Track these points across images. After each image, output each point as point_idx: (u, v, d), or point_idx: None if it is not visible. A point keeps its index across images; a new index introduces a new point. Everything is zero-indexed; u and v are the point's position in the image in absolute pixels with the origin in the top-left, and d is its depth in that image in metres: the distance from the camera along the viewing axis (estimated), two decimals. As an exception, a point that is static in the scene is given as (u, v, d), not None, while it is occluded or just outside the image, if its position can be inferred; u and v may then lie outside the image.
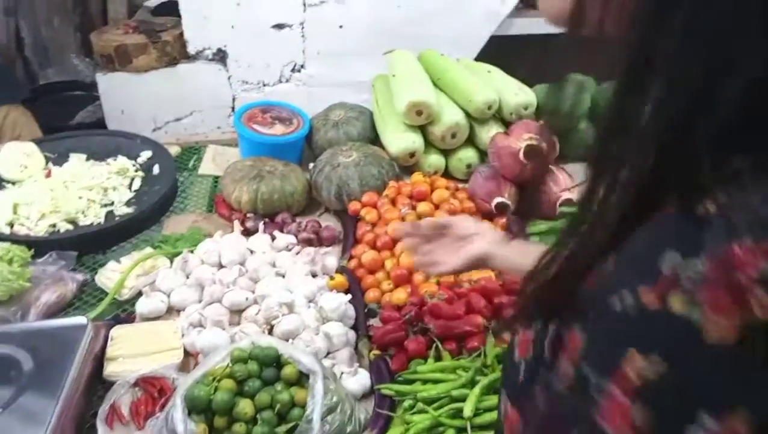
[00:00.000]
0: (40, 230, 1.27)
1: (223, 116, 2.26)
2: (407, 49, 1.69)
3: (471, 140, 1.54)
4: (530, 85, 1.58)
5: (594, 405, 0.41)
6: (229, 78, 2.21)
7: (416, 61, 1.63)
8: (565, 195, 1.34)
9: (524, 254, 0.81)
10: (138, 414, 0.91)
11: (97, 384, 0.95)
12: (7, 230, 1.25)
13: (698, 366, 0.38)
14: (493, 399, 0.88)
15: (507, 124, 1.52)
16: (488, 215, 1.36)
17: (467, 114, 1.50)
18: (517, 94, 1.52)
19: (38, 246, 1.19)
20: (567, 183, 1.36)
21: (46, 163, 1.46)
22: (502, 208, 1.34)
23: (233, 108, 2.26)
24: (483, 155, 1.54)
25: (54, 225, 1.28)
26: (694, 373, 0.38)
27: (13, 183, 1.39)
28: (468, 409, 0.86)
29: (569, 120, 1.51)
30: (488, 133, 1.50)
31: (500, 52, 2.03)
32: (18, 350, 0.90)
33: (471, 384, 0.92)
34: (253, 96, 2.21)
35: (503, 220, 1.34)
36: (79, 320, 0.97)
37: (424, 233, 0.91)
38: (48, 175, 1.40)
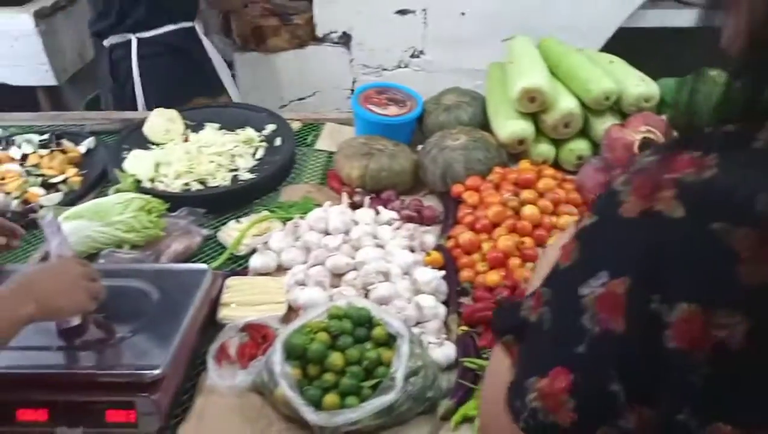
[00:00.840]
0: (175, 187, 1.42)
1: (342, 98, 2.38)
2: (523, 36, 1.68)
3: (584, 132, 1.50)
4: (655, 78, 1.51)
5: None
6: (351, 61, 2.31)
7: (534, 48, 1.61)
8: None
9: None
10: (243, 356, 1.01)
11: (211, 325, 1.06)
12: (148, 185, 1.42)
13: (611, 228, 0.49)
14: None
15: (625, 117, 1.47)
16: (594, 208, 1.32)
17: (583, 104, 1.47)
18: (638, 85, 1.45)
19: (172, 201, 1.34)
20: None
21: (185, 129, 1.62)
22: (609, 201, 1.30)
23: (353, 90, 2.37)
24: (596, 147, 1.49)
25: (187, 184, 1.43)
26: (607, 232, 0.50)
27: (157, 145, 1.57)
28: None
29: (694, 117, 1.43)
30: (604, 124, 1.45)
31: (628, 45, 1.95)
32: (149, 285, 1.03)
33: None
34: (371, 79, 2.30)
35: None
36: (201, 267, 1.09)
37: None
38: (186, 140, 1.56)
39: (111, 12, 1.93)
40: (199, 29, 2.02)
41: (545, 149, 1.50)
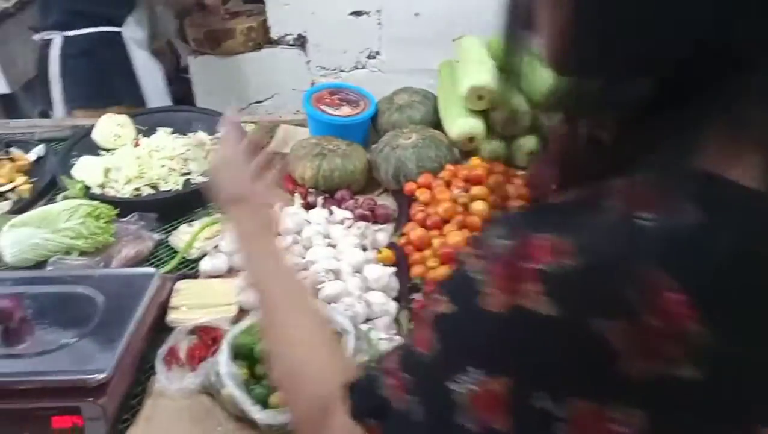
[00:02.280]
0: (125, 192, 1.41)
1: (301, 99, 2.38)
2: (480, 37, 1.71)
3: (534, 128, 1.54)
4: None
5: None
6: (308, 63, 2.32)
7: (483, 47, 1.64)
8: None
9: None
10: (193, 358, 1.01)
11: (160, 329, 1.06)
12: (98, 191, 1.40)
13: (476, 321, 0.45)
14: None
15: (571, 112, 1.51)
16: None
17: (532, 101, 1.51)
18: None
19: (123, 207, 1.33)
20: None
21: (137, 134, 1.61)
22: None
23: (311, 92, 2.36)
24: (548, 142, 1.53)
25: (138, 189, 1.43)
26: (471, 325, 0.45)
27: (107, 150, 1.55)
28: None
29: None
30: (552, 120, 1.49)
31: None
32: (95, 291, 1.02)
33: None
34: (329, 81, 2.31)
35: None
36: (148, 270, 1.09)
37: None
38: (136, 144, 1.55)
39: (40, 6, 1.97)
40: (128, 35, 1.99)
41: (496, 145, 1.53)
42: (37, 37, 1.99)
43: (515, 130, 1.52)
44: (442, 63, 1.76)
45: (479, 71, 1.50)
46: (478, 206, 1.34)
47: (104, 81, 1.97)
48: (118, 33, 1.98)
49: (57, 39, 1.94)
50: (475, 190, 1.37)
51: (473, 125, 1.50)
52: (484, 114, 1.53)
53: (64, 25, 1.93)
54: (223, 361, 0.90)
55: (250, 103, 2.39)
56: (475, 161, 1.47)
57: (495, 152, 1.53)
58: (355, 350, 0.90)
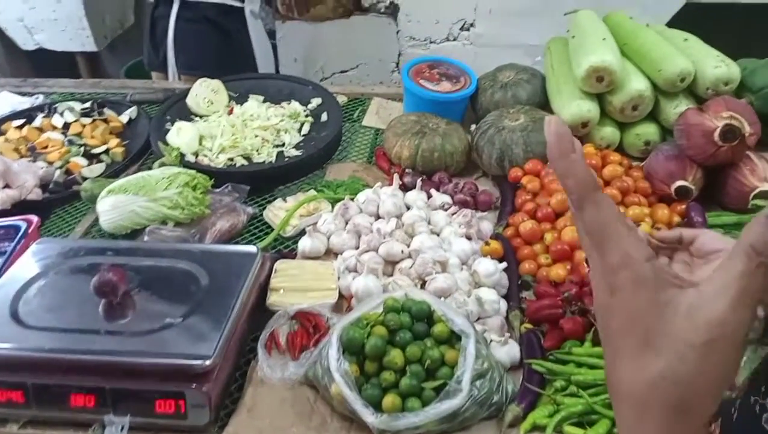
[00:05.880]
0: (219, 162, 1.37)
1: (386, 71, 2.29)
2: (589, 10, 1.56)
3: (653, 115, 1.40)
4: (733, 58, 1.39)
5: None
6: (397, 32, 2.21)
7: (601, 23, 1.49)
8: (763, 186, 1.17)
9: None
10: (293, 345, 0.96)
11: (260, 311, 1.01)
12: (192, 159, 1.37)
13: None
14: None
15: (699, 100, 1.36)
16: (666, 199, 1.23)
17: (654, 85, 1.36)
18: (717, 66, 1.34)
19: (217, 177, 1.29)
20: (766, 173, 1.20)
21: (229, 101, 1.56)
22: (683, 193, 1.21)
23: (397, 64, 2.27)
24: (665, 132, 1.39)
25: (231, 159, 1.38)
26: None
27: (200, 117, 1.51)
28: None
29: (779, 101, 1.31)
30: (675, 108, 1.35)
31: (696, 20, 1.82)
32: (198, 268, 0.98)
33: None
34: (418, 52, 2.20)
35: (683, 206, 1.21)
36: (250, 248, 1.04)
37: (665, 245, 0.77)
38: (230, 112, 1.50)
39: None
40: (248, 11, 1.97)
41: (610, 132, 1.40)
42: None
43: (635, 116, 1.38)
44: (552, 39, 1.62)
45: (600, 49, 1.36)
46: (594, 199, 1.22)
47: (221, 52, 1.96)
48: (241, 9, 1.96)
49: (176, 2, 1.92)
50: (590, 181, 1.25)
51: (589, 108, 1.37)
52: (598, 97, 1.40)
53: None
54: (333, 356, 0.84)
55: (334, 73, 2.32)
56: (589, 148, 1.35)
57: (609, 138, 1.40)
58: (476, 355, 0.82)
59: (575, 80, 1.40)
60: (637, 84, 1.35)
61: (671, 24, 1.94)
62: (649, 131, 1.39)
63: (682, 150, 1.24)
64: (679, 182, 1.21)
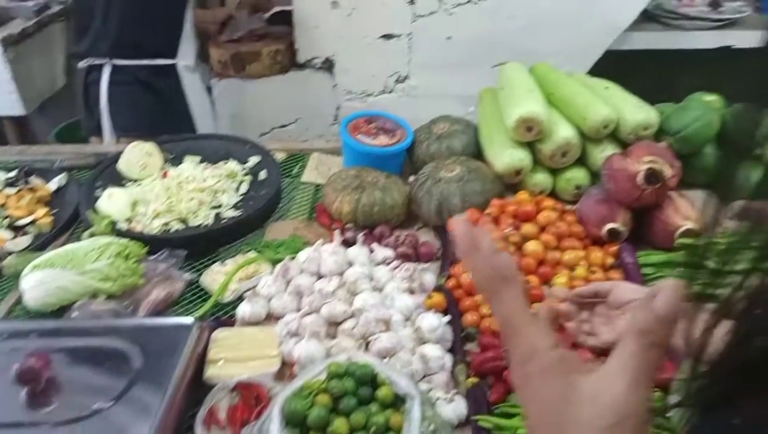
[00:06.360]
0: (154, 228, 1.33)
1: (326, 125, 2.31)
2: (516, 62, 1.63)
3: (581, 160, 1.46)
4: (651, 103, 1.47)
5: None
6: (334, 87, 2.25)
7: (528, 74, 1.56)
8: (687, 225, 1.23)
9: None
10: (234, 420, 0.92)
11: (198, 386, 0.97)
12: (124, 226, 1.32)
13: None
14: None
15: (623, 144, 1.43)
16: (599, 241, 1.27)
17: (580, 132, 1.42)
18: (637, 112, 1.41)
19: (151, 243, 1.25)
20: (688, 212, 1.25)
21: (164, 163, 1.53)
22: (614, 235, 1.25)
23: (336, 117, 2.30)
24: (593, 176, 1.45)
25: (167, 224, 1.34)
26: None
27: (134, 181, 1.47)
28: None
29: (694, 143, 1.39)
30: (602, 153, 1.41)
31: (615, 67, 1.93)
32: (129, 345, 0.94)
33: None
34: (356, 105, 2.24)
35: (614, 248, 1.25)
36: (186, 320, 1.00)
37: (582, 301, 0.78)
38: (164, 175, 1.47)
39: (89, 33, 1.91)
40: (182, 66, 1.96)
41: (542, 178, 1.45)
42: (82, 64, 1.96)
43: (564, 162, 1.44)
44: (483, 90, 1.68)
45: (528, 100, 1.41)
46: (532, 246, 1.25)
47: (157, 112, 1.94)
48: (173, 65, 1.95)
49: (107, 67, 1.91)
50: (527, 228, 1.29)
51: (521, 157, 1.41)
52: (529, 145, 1.45)
53: (118, 53, 1.90)
54: (274, 430, 0.81)
55: (273, 128, 2.32)
56: (522, 195, 1.39)
57: (542, 184, 1.45)
58: (421, 418, 0.81)
59: (506, 130, 1.44)
60: (564, 132, 1.40)
61: (593, 71, 2.04)
62: (578, 175, 1.44)
63: (610, 194, 1.29)
64: (610, 225, 1.25)
